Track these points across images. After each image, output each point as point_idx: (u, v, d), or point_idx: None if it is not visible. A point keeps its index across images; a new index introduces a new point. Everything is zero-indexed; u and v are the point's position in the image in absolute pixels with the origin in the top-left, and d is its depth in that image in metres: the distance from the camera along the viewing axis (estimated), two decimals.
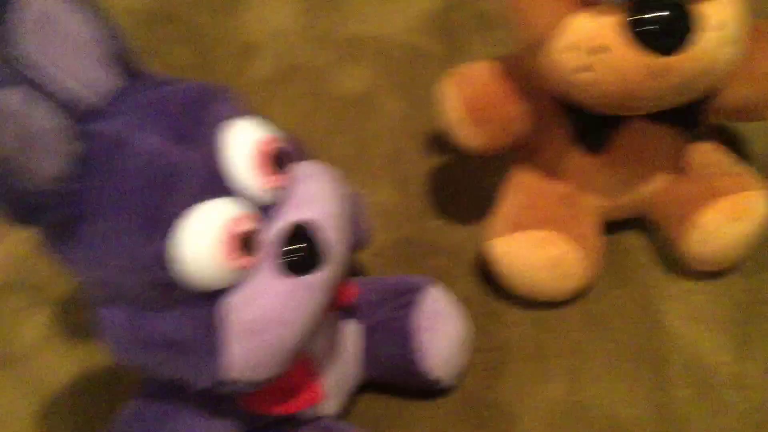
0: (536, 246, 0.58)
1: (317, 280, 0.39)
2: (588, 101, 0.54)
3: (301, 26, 0.93)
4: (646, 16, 0.49)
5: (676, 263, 0.62)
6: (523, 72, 0.57)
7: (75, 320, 0.67)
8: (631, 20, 0.49)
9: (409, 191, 0.73)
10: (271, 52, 0.90)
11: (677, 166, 0.63)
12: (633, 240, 0.65)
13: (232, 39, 0.92)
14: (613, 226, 0.63)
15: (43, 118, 0.34)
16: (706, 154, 0.65)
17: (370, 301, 0.54)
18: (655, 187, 0.62)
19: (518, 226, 0.59)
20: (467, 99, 0.60)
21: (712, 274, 0.61)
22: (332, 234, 0.40)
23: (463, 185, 0.71)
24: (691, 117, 0.58)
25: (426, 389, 0.55)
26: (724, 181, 0.61)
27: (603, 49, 0.49)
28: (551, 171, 0.63)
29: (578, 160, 0.60)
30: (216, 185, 0.38)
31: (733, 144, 0.73)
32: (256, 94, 0.83)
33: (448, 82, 0.61)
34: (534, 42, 0.53)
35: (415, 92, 0.77)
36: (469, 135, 0.60)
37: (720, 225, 0.58)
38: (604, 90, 0.51)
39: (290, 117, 0.82)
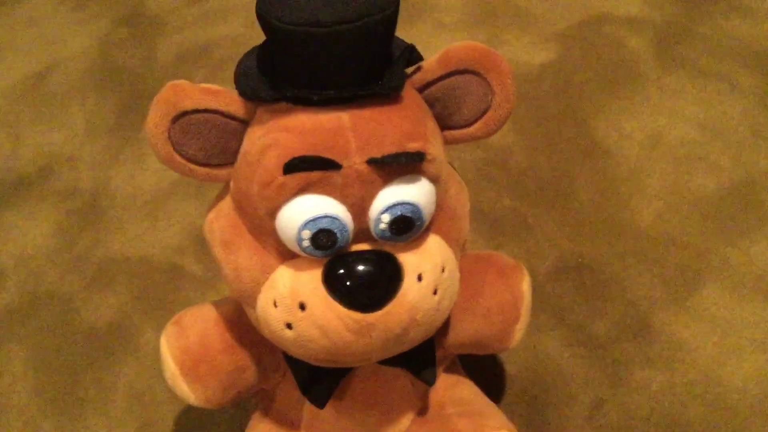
0: None
1: None
2: (299, 356, 0.49)
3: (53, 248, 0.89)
4: (341, 272, 0.46)
5: None
6: (248, 317, 0.52)
7: None
8: (326, 276, 0.46)
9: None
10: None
11: (419, 408, 0.57)
12: None
13: None
14: None
15: None
16: (450, 391, 0.58)
17: None
18: (398, 430, 0.56)
19: None
20: (181, 353, 0.56)
21: None
22: None
23: None
24: (422, 360, 0.53)
25: None
26: (464, 422, 0.54)
27: (302, 306, 0.46)
28: (287, 420, 0.57)
29: (313, 409, 0.54)
30: None
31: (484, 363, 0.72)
32: None
33: (163, 334, 0.57)
34: (242, 296, 0.50)
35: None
36: (185, 391, 0.56)
37: None
38: (309, 348, 0.48)
39: (34, 353, 0.79)
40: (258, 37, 0.46)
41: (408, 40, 0.49)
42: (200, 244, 0.90)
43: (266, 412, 0.62)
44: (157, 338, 0.66)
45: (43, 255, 0.93)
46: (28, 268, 0.92)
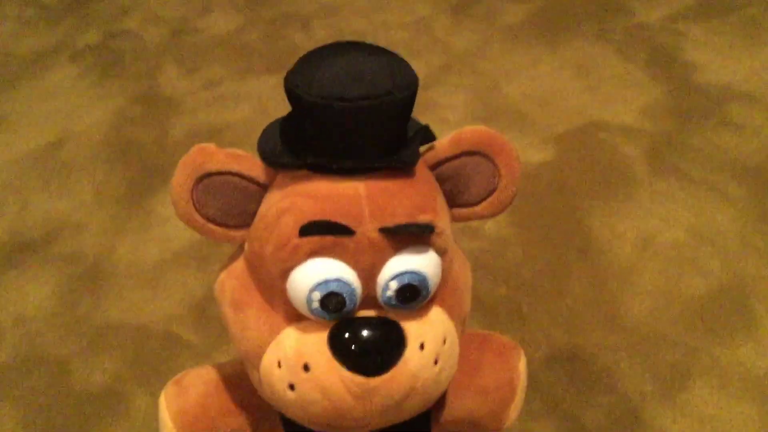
0: None
1: None
2: (299, 419, 0.50)
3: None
4: (346, 335, 0.46)
5: None
6: (248, 380, 0.53)
7: None
8: (332, 339, 0.47)
9: None
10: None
11: None
12: None
13: None
14: None
15: None
16: None
17: None
18: None
19: None
20: (179, 413, 0.57)
21: None
22: None
23: None
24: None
25: None
26: None
27: (306, 367, 0.47)
28: None
29: None
30: None
31: None
32: None
33: (163, 393, 0.58)
34: (248, 355, 0.51)
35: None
36: None
37: None
38: (310, 410, 0.48)
39: (26, 413, 0.82)
40: (266, 122, 0.49)
41: None
42: (198, 314, 0.91)
43: None
44: (150, 404, 0.66)
45: (42, 317, 0.94)
46: (26, 329, 0.93)
